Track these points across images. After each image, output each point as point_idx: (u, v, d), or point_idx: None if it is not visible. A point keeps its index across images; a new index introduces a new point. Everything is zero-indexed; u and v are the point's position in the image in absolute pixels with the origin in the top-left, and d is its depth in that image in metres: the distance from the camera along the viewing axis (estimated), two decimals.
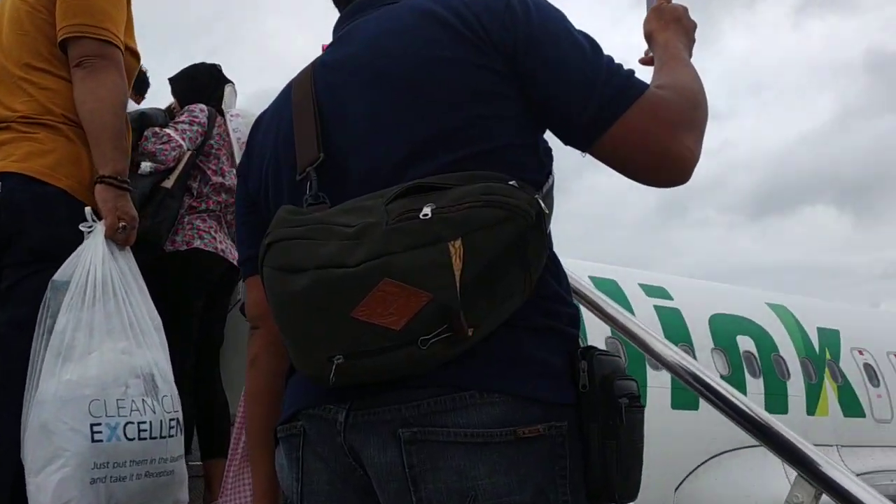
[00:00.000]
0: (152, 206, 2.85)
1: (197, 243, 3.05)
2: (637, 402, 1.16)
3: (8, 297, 2.00)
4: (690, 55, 1.38)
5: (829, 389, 8.17)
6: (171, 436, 1.86)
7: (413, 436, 1.09)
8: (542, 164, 1.23)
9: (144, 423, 1.82)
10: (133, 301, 1.93)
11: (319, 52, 1.41)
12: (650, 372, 7.05)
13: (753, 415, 1.41)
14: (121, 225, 1.98)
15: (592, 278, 7.29)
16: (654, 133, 1.16)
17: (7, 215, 1.99)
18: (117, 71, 2.09)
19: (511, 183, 1.09)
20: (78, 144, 2.06)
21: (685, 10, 1.44)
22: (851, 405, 8.28)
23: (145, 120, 3.00)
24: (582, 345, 1.19)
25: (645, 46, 1.44)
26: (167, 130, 3.03)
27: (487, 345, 1.08)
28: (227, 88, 3.37)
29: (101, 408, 1.78)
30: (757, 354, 7.82)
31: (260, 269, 1.13)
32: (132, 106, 3.23)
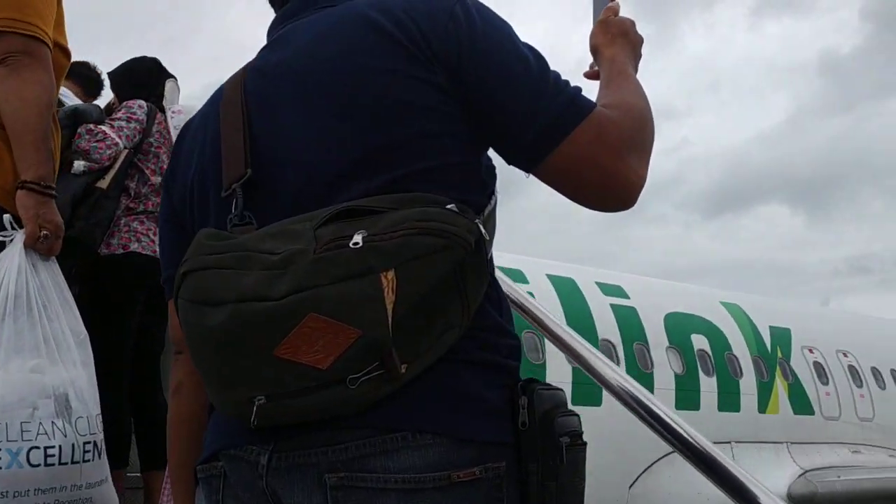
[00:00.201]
0: (86, 208, 2.71)
1: (134, 246, 2.91)
2: (579, 440, 1.10)
3: None
4: (636, 70, 1.33)
5: (780, 388, 8.31)
6: (86, 461, 1.73)
7: (340, 482, 1.01)
8: (485, 184, 1.16)
9: (52, 447, 1.68)
10: (52, 315, 1.80)
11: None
12: None
13: (700, 448, 1.35)
14: (42, 234, 1.85)
15: (550, 276, 7.30)
16: (599, 156, 1.11)
17: None
18: (44, 69, 1.96)
19: (449, 207, 1.02)
20: None
21: (632, 23, 1.39)
22: (801, 403, 8.43)
23: (79, 116, 2.85)
24: (523, 378, 1.12)
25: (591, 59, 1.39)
26: (102, 127, 2.89)
27: (422, 381, 1.01)
28: (169, 84, 3.22)
29: (1, 431, 1.65)
30: (711, 353, 7.92)
31: (175, 300, 1.04)
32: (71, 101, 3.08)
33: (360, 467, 1.01)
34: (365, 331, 0.93)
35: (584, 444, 1.10)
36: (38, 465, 1.67)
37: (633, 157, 1.13)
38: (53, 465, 1.69)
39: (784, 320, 9.09)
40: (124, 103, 3.10)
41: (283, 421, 1.01)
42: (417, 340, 0.99)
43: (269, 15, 1.34)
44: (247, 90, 1.19)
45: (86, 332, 1.91)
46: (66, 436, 1.71)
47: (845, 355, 9.31)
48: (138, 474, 3.05)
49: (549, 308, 6.52)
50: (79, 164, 2.73)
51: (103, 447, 1.84)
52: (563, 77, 1.15)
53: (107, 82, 3.45)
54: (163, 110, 3.16)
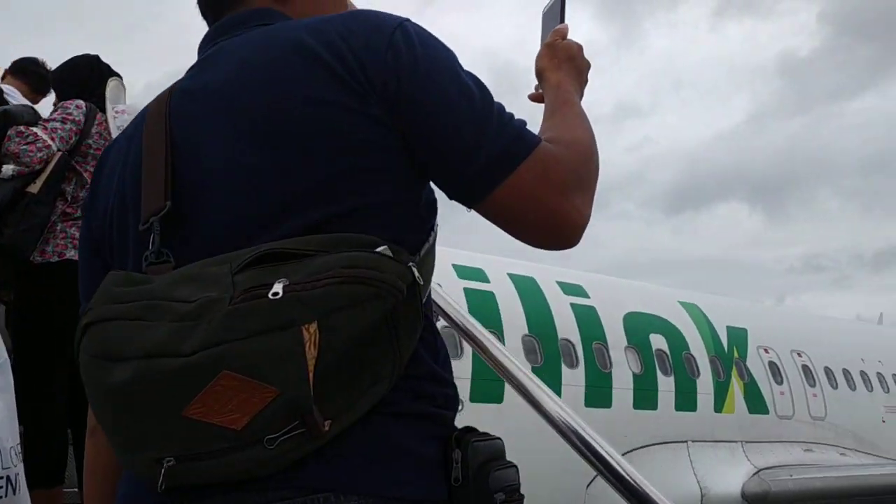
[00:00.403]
0: (15, 214, 2.59)
1: (71, 254, 2.77)
2: (515, 496, 1.04)
3: None
4: (582, 96, 1.29)
5: (736, 387, 8.40)
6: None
7: None
8: (423, 221, 1.10)
9: None
10: None
11: None
12: (565, 370, 7.10)
13: (640, 488, 1.30)
14: None
15: (512, 276, 7.27)
16: (544, 195, 1.06)
17: None
18: None
19: (380, 250, 0.96)
20: None
21: (580, 48, 1.34)
22: (756, 402, 8.54)
23: (9, 118, 2.72)
24: (458, 428, 1.06)
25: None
26: (34, 129, 2.75)
27: (348, 438, 0.95)
28: (112, 82, 3.07)
29: None
30: (669, 353, 7.98)
31: (76, 354, 0.96)
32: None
33: None
34: (283, 389, 0.87)
35: (521, 497, 1.05)
36: None
37: (578, 195, 1.08)
38: None
39: (741, 320, 9.19)
40: (60, 103, 2.97)
41: (196, 482, 0.93)
42: (342, 396, 0.92)
43: None
44: (172, 113, 1.10)
45: (6, 356, 1.79)
46: None
47: (800, 355, 9.45)
48: (76, 489, 2.93)
49: (510, 308, 6.49)
50: (7, 168, 2.61)
51: (21, 480, 1.73)
52: (508, 110, 1.09)
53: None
54: (104, 110, 3.01)
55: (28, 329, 2.71)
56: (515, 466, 1.06)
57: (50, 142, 2.73)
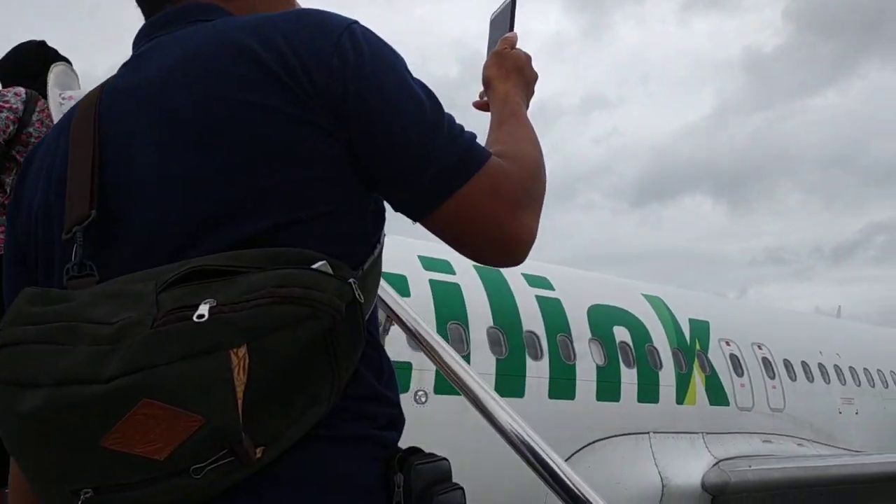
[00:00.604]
0: None
1: None
2: None
3: None
4: (528, 107, 1.27)
5: (698, 379, 8.50)
6: None
7: None
8: (368, 232, 1.05)
9: None
10: None
11: None
12: (529, 362, 7.12)
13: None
14: None
15: (477, 268, 7.25)
16: (493, 212, 1.02)
17: None
18: None
19: (318, 266, 0.90)
20: None
21: (528, 58, 1.31)
22: (717, 394, 8.65)
23: None
24: (402, 449, 1.02)
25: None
26: None
27: (281, 464, 0.90)
28: (57, 68, 2.95)
29: None
30: (632, 345, 8.04)
31: None
32: None
33: None
34: (209, 418, 0.81)
35: None
36: None
37: (526, 212, 1.05)
38: None
39: (703, 313, 9.30)
40: None
41: None
42: (275, 421, 0.87)
43: None
44: (102, 113, 1.04)
45: None
46: None
47: (760, 348, 9.60)
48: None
49: (476, 300, 6.46)
50: None
51: None
52: (458, 121, 1.06)
53: None
54: (46, 97, 2.90)
55: None
56: (461, 489, 1.02)
57: None
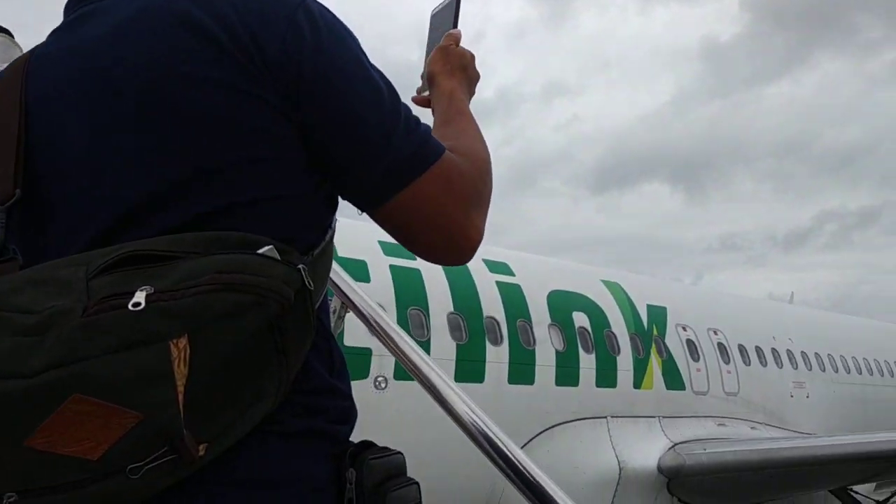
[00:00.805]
0: None
1: None
2: None
3: None
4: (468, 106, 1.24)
5: (655, 364, 8.61)
6: None
7: None
8: (320, 217, 1.01)
9: None
10: None
11: None
12: (489, 347, 7.13)
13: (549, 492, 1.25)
14: None
15: None
16: (445, 207, 1.00)
17: None
18: None
19: (265, 251, 0.85)
20: None
21: (472, 57, 1.29)
22: (674, 379, 8.78)
23: None
24: (355, 443, 0.98)
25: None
26: None
27: (226, 462, 0.85)
28: None
29: None
30: (591, 330, 8.10)
31: None
32: None
33: None
34: (148, 414, 0.76)
35: None
36: None
37: (476, 211, 1.03)
38: None
39: (661, 299, 9.41)
40: None
41: None
42: (220, 416, 0.82)
43: None
44: (28, 85, 0.97)
45: None
46: None
47: (715, 333, 9.75)
48: None
49: (437, 285, 6.42)
50: None
51: None
52: (414, 112, 1.02)
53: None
54: None
55: None
56: (416, 483, 0.99)
57: None
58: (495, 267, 7.74)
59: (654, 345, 8.74)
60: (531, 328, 7.55)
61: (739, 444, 8.29)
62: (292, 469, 0.90)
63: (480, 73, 1.29)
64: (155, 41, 0.93)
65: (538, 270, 8.38)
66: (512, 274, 7.83)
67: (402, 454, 0.99)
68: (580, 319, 8.08)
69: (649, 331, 8.81)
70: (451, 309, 6.99)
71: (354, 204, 1.02)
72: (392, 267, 6.61)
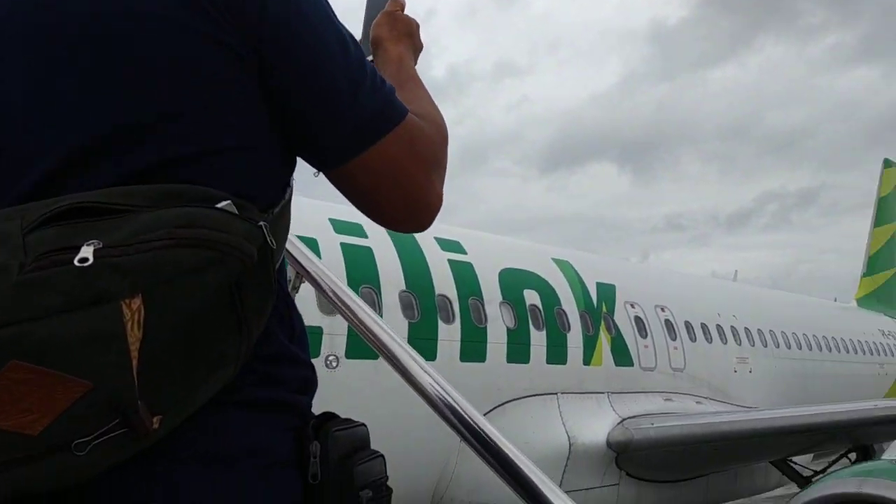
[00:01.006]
0: None
1: None
2: (383, 491, 0.93)
3: None
4: None
5: (604, 341, 8.73)
6: None
7: None
8: (279, 174, 0.95)
9: None
10: None
11: None
12: (441, 326, 7.12)
13: (522, 468, 1.22)
14: None
15: (391, 231, 7.17)
16: (409, 169, 0.96)
17: None
18: None
19: (223, 205, 0.79)
20: None
21: (418, 26, 1.25)
22: (622, 355, 8.91)
23: None
24: (316, 415, 0.93)
25: None
26: None
27: (182, 436, 0.79)
28: None
29: None
30: (541, 308, 8.15)
31: None
32: None
33: None
34: (98, 382, 0.69)
35: (390, 491, 0.93)
36: None
37: (436, 175, 1.00)
38: None
39: (610, 277, 9.53)
40: None
41: None
42: (176, 385, 0.75)
43: None
44: None
45: None
46: None
47: (663, 310, 9.92)
48: None
49: (388, 263, 6.40)
50: None
51: None
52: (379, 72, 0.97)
53: None
54: None
55: None
56: (382, 456, 0.94)
57: None
58: (447, 245, 7.72)
59: (603, 322, 8.85)
60: (483, 306, 7.57)
61: (685, 418, 8.48)
62: (253, 442, 0.85)
63: (425, 46, 1.25)
64: None
65: (490, 249, 8.40)
66: (464, 252, 7.83)
67: (365, 426, 0.95)
68: (531, 297, 8.13)
69: (598, 308, 8.92)
70: (404, 287, 6.96)
71: (314, 162, 0.97)
72: (343, 245, 6.53)
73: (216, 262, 0.75)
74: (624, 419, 8.22)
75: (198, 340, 0.76)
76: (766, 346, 12.03)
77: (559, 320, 8.31)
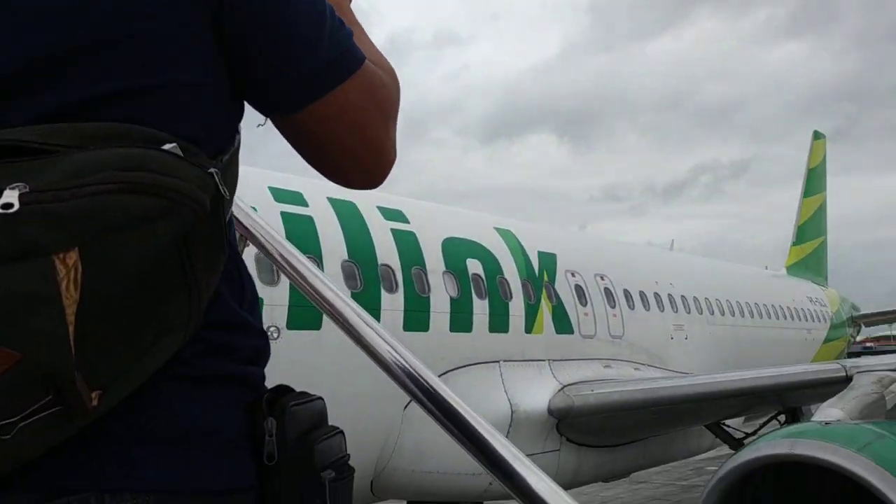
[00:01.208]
0: None
1: None
2: (346, 471, 0.86)
3: None
4: None
5: (545, 309, 8.81)
6: None
7: None
8: (227, 118, 0.86)
9: None
10: None
11: None
12: (384, 295, 7.07)
13: (486, 438, 1.18)
14: None
15: (332, 200, 7.05)
16: (367, 118, 0.89)
17: None
18: None
19: (169, 147, 0.70)
20: None
21: None
22: (563, 323, 9.02)
23: None
24: (269, 388, 0.85)
25: None
26: None
27: (123, 414, 0.70)
28: None
29: None
30: (484, 277, 8.17)
31: None
32: None
33: None
34: (26, 351, 0.60)
35: (352, 470, 0.86)
36: None
37: (393, 126, 0.93)
38: None
39: (551, 246, 9.60)
40: None
41: None
42: (118, 355, 0.66)
43: None
44: None
45: None
46: None
47: (602, 279, 10.06)
48: None
49: (330, 233, 6.30)
50: None
51: None
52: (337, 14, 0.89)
53: None
54: None
55: None
56: (342, 432, 0.87)
57: None
58: (390, 214, 7.65)
59: (544, 290, 8.93)
60: (426, 275, 7.54)
61: (624, 384, 8.65)
62: (197, 421, 0.77)
63: (364, 13, 1.18)
64: None
65: (433, 218, 8.35)
66: (407, 221, 7.77)
67: (322, 399, 0.88)
68: (474, 266, 8.13)
69: (540, 277, 8.98)
70: (346, 257, 6.87)
71: (265, 107, 0.89)
72: (284, 214, 6.40)
73: (166, 213, 0.66)
74: (564, 386, 8.34)
75: (142, 303, 0.67)
76: (701, 313, 12.34)
77: (501, 289, 8.35)
